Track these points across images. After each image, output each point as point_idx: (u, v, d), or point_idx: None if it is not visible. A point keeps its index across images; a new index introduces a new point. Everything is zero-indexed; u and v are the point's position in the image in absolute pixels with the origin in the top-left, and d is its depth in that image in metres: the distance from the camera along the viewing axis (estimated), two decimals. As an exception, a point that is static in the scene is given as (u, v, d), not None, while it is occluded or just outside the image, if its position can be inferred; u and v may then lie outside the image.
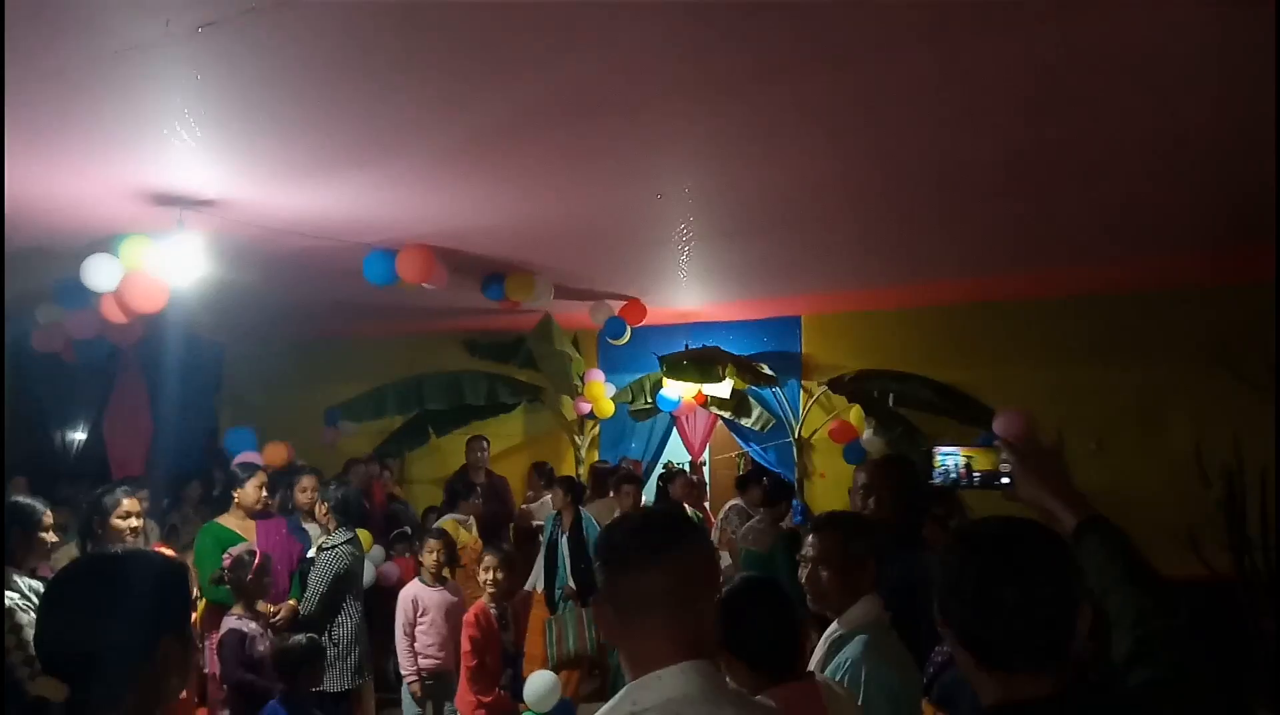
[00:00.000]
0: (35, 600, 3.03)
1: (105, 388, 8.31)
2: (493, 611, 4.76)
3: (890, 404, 7.00)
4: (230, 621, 4.18)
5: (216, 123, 3.29)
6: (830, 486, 7.59)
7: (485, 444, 7.38)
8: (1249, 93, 3.14)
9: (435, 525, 6.01)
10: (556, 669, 5.72)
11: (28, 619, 2.92)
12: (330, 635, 4.71)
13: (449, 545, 5.16)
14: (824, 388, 7.43)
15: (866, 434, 7.30)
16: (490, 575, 4.79)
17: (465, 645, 4.62)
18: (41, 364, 7.24)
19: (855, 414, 7.29)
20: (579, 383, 7.72)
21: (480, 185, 4.26)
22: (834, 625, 2.40)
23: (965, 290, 6.88)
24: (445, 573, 5.17)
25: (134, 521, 4.19)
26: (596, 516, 6.81)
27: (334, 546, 4.84)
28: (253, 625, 4.18)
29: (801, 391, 7.81)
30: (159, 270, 4.35)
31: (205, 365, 9.63)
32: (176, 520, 6.95)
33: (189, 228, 4.27)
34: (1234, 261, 5.65)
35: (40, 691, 1.36)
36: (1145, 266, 5.92)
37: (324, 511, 4.99)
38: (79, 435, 9.33)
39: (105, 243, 4.50)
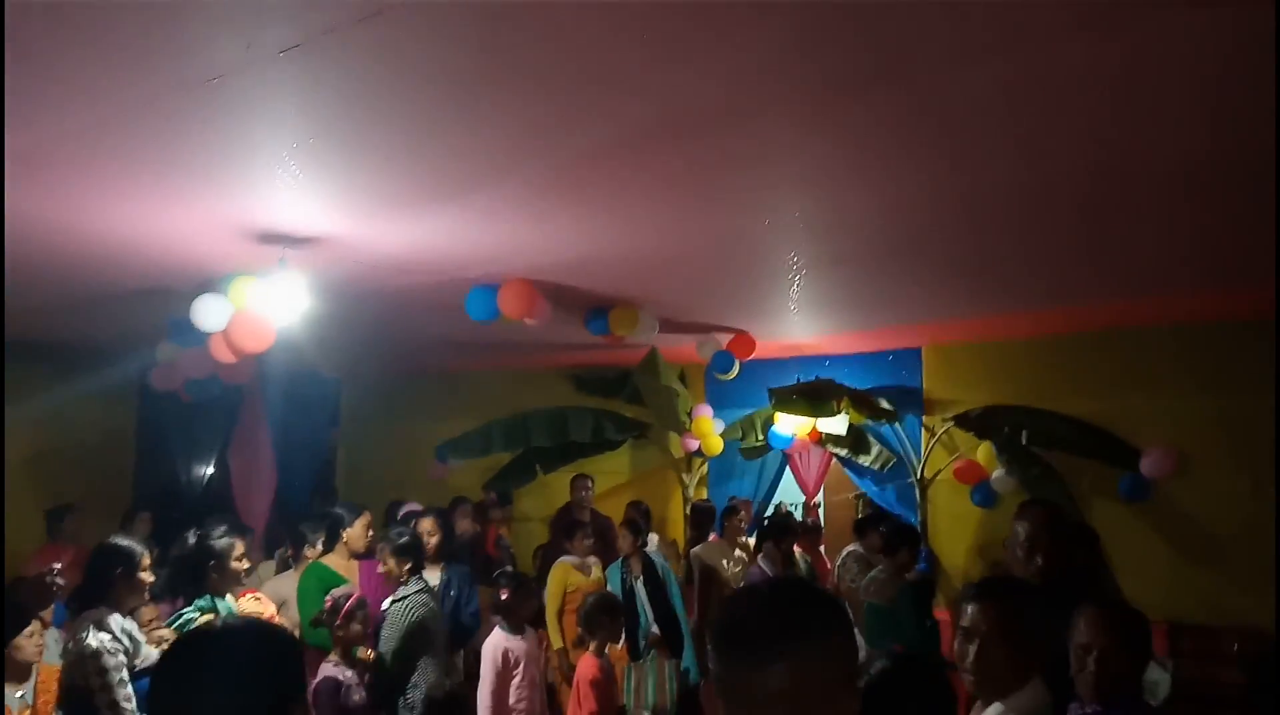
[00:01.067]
0: (127, 642, 2.98)
1: (229, 425, 8.56)
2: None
3: (1023, 441, 6.46)
4: (327, 668, 4.07)
5: (312, 155, 3.23)
6: (955, 532, 7.07)
7: (590, 482, 7.21)
8: None
9: (554, 568, 5.80)
10: None
11: (114, 661, 2.86)
12: (405, 698, 4.35)
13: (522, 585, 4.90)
14: (949, 424, 6.94)
15: (997, 474, 6.78)
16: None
17: (589, 704, 4.19)
18: (166, 402, 7.51)
19: (984, 452, 6.77)
20: (686, 419, 7.47)
21: (582, 215, 4.11)
22: (995, 711, 2.04)
23: (1104, 315, 6.32)
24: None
25: (246, 563, 4.21)
26: (706, 558, 6.53)
27: (404, 597, 4.53)
28: (349, 673, 4.06)
29: (923, 429, 7.34)
30: (265, 309, 4.36)
31: (322, 401, 9.85)
32: (291, 559, 7.02)
33: (292, 266, 4.25)
34: None
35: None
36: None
37: (388, 558, 4.66)
38: (206, 471, 9.63)
39: (214, 282, 4.56)
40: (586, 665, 4.33)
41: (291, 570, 5.14)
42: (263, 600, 4.32)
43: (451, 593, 5.27)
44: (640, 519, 6.42)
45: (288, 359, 7.25)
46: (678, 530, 8.19)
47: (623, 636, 5.13)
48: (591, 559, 5.87)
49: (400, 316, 6.40)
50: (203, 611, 3.58)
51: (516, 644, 4.64)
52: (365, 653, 4.41)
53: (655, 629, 5.59)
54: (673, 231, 4.37)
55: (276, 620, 4.22)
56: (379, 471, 9.24)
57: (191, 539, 3.83)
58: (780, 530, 6.13)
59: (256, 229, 3.99)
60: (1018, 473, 6.52)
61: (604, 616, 4.41)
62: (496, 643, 4.63)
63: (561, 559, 5.81)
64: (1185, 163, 3.43)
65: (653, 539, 7.04)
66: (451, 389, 9.40)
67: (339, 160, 3.28)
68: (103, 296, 5.35)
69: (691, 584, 6.41)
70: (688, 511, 7.57)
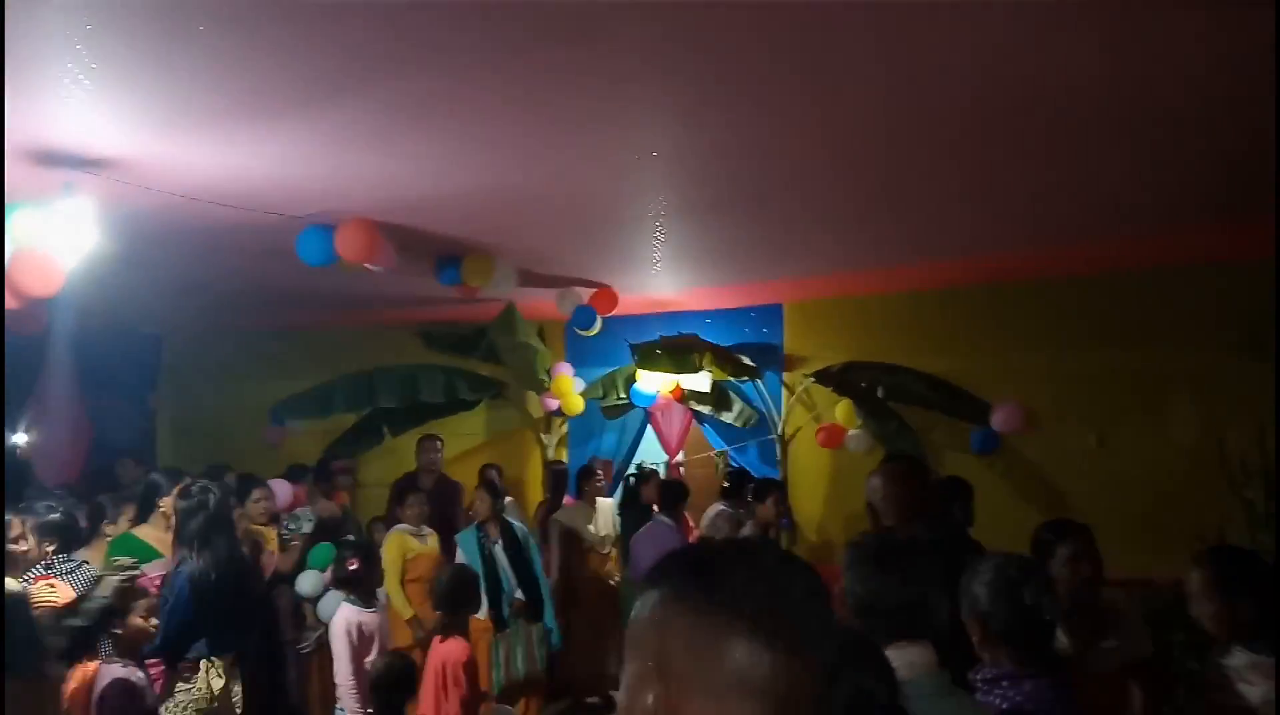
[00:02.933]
0: None
1: (28, 385, 7.60)
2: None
3: (880, 397, 6.51)
4: (113, 670, 3.25)
5: (104, 56, 2.69)
6: (815, 489, 7.10)
7: (439, 444, 6.80)
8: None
9: (388, 537, 5.42)
10: (504, 695, 5.18)
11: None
12: None
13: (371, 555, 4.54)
14: (809, 381, 6.92)
15: (854, 431, 6.82)
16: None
17: (448, 699, 3.77)
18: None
19: (842, 409, 6.80)
20: (545, 377, 7.15)
21: (429, 147, 3.71)
22: None
23: (959, 273, 6.42)
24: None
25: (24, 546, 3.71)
26: (566, 521, 6.28)
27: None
28: (140, 674, 3.35)
29: (783, 386, 7.30)
30: (51, 246, 3.72)
31: (139, 359, 8.95)
32: (110, 531, 6.29)
33: (82, 193, 3.64)
34: (1258, 234, 5.22)
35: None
36: (1157, 241, 5.47)
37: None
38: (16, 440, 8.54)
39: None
40: (454, 647, 3.96)
41: (86, 548, 4.51)
42: (58, 586, 3.74)
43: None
44: (497, 482, 6.09)
45: (97, 310, 6.44)
46: (537, 493, 7.90)
47: (483, 606, 4.84)
48: (425, 527, 5.50)
49: (226, 262, 5.76)
50: None
51: (369, 617, 4.33)
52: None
53: (519, 594, 5.31)
54: (529, 169, 4.05)
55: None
56: (207, 436, 8.47)
57: None
58: (641, 478, 6.05)
59: (37, 148, 3.37)
60: (875, 428, 6.57)
61: (462, 593, 4.06)
62: (348, 618, 4.27)
63: (395, 528, 5.43)
64: (1048, 111, 3.38)
65: (509, 502, 6.74)
66: (289, 347, 8.69)
67: (137, 65, 2.76)
68: None
69: (548, 545, 6.18)
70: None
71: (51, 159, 3.46)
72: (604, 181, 4.28)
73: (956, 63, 2.95)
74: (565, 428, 7.97)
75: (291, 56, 2.73)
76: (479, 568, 5.15)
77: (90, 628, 3.22)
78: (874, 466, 3.07)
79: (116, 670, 3.23)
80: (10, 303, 4.03)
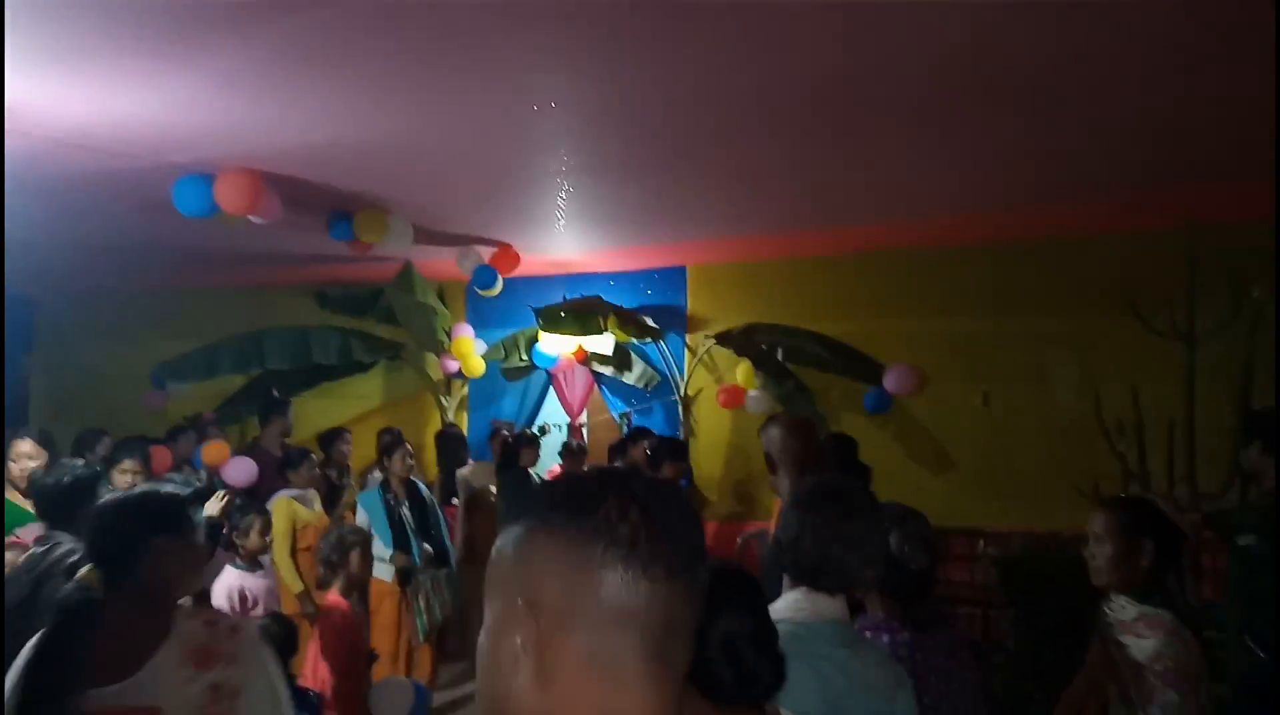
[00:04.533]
0: None
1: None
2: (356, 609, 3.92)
3: (779, 358, 6.60)
4: None
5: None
6: (715, 449, 7.18)
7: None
8: (1163, 28, 2.81)
9: (275, 504, 5.21)
10: (428, 638, 5.16)
11: None
12: None
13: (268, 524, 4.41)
14: (711, 342, 6.97)
15: (753, 392, 6.91)
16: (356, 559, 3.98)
17: (327, 662, 3.63)
18: None
19: (743, 370, 6.87)
20: (445, 338, 7.00)
21: (321, 96, 3.54)
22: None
23: (856, 239, 6.53)
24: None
25: None
26: (473, 480, 6.20)
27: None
28: None
29: (685, 348, 7.34)
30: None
31: (11, 320, 8.39)
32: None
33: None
34: (1138, 207, 5.47)
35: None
36: (1044, 214, 5.68)
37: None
38: None
39: None
40: (333, 607, 3.84)
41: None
42: None
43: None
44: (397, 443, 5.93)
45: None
46: (433, 457, 7.77)
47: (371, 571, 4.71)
48: (311, 491, 5.33)
49: (101, 215, 5.42)
50: None
51: (253, 581, 4.24)
52: None
53: (429, 549, 5.23)
54: (427, 120, 3.90)
55: None
56: (85, 401, 8.03)
57: None
58: (520, 442, 6.04)
59: None
60: (773, 388, 6.67)
61: (348, 554, 3.94)
62: (230, 582, 4.18)
63: (280, 493, 5.21)
64: (947, 80, 3.43)
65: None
66: (174, 308, 8.30)
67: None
68: None
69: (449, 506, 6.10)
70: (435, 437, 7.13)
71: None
72: (506, 136, 4.16)
73: (876, 24, 2.95)
74: (466, 390, 7.84)
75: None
76: (386, 528, 5.05)
77: None
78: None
79: None
80: None
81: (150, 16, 2.75)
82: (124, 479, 4.54)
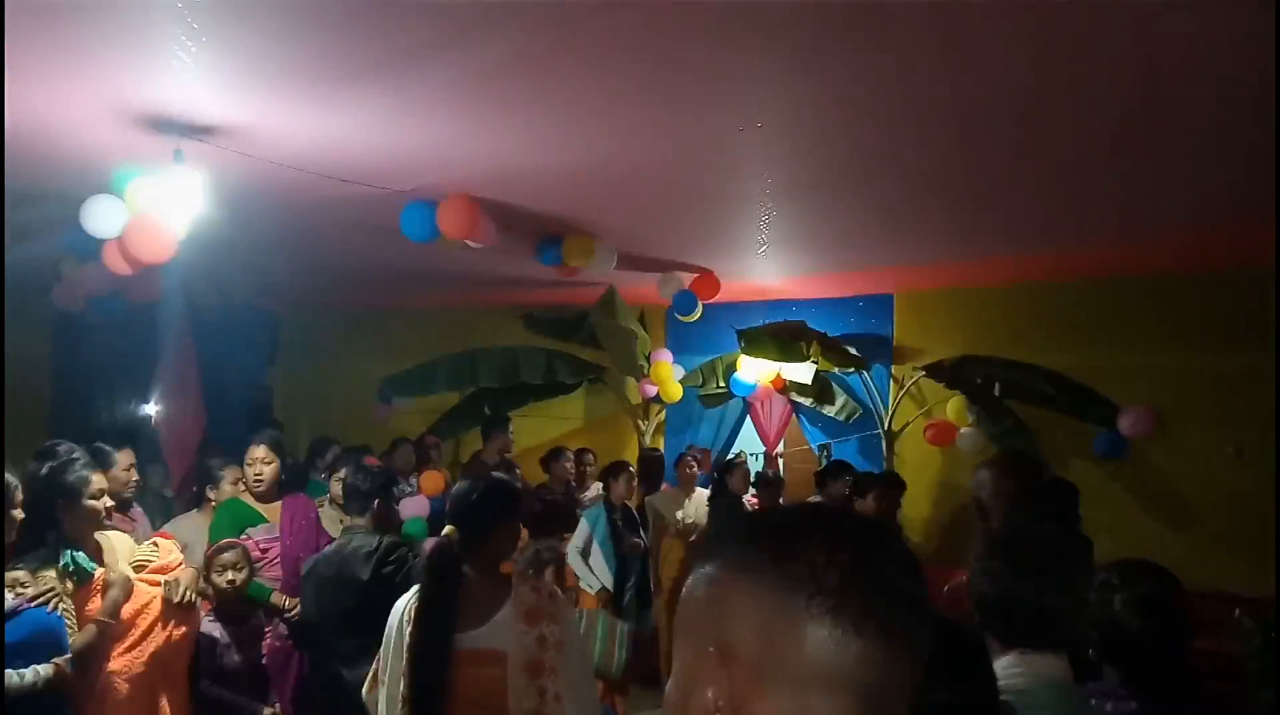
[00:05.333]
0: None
1: (154, 355, 7.94)
2: None
3: (996, 394, 6.13)
4: (204, 623, 3.46)
5: (208, 20, 2.70)
6: (922, 487, 6.76)
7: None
8: None
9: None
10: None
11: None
12: None
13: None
14: (919, 374, 6.59)
15: (966, 429, 6.46)
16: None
17: None
18: (84, 328, 6.90)
19: (954, 405, 6.45)
20: (645, 363, 7.05)
21: (530, 122, 3.63)
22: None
23: (1085, 263, 5.98)
24: None
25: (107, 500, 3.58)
26: (658, 506, 6.19)
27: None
28: (224, 631, 3.50)
29: (891, 379, 6.99)
30: (163, 212, 3.81)
31: (260, 335, 9.26)
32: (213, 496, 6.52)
33: (192, 161, 3.71)
34: None
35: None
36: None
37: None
38: (130, 406, 8.99)
39: (107, 182, 3.99)
40: None
41: (195, 511, 4.64)
42: (161, 546, 3.80)
43: None
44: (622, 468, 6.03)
45: (215, 286, 6.69)
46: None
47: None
48: None
49: (335, 238, 5.86)
50: (43, 561, 2.99)
51: None
52: (282, 598, 4.03)
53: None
54: (633, 146, 3.92)
55: (179, 568, 3.68)
56: (319, 412, 8.72)
57: (42, 471, 3.04)
58: (727, 468, 5.96)
59: (147, 113, 3.44)
60: (988, 427, 6.21)
61: (543, 571, 3.99)
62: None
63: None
64: (1182, 95, 3.05)
65: (595, 487, 6.67)
66: (396, 327, 8.88)
67: (239, 28, 2.76)
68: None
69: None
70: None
71: (160, 125, 3.53)
72: (709, 158, 4.12)
73: (1096, 40, 2.68)
74: (663, 415, 7.86)
75: (393, 20, 2.68)
76: (613, 553, 5.16)
77: None
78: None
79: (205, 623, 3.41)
80: (124, 268, 4.17)
81: (373, 45, 2.90)
82: (338, 487, 4.80)
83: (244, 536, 4.25)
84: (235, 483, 4.71)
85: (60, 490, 2.96)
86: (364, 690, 2.61)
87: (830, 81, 3.17)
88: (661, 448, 7.74)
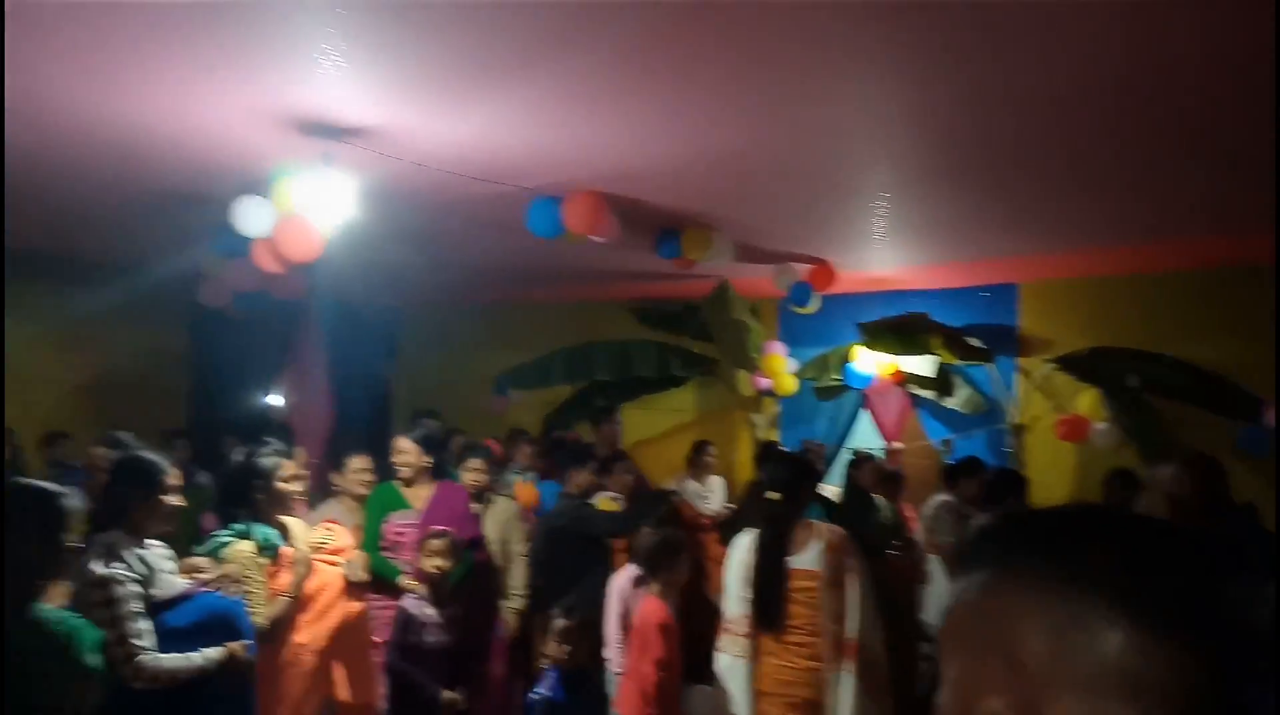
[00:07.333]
0: (143, 571, 2.66)
1: (286, 349, 8.32)
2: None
3: (1134, 387, 5.86)
4: (408, 601, 3.80)
5: (353, 27, 2.81)
6: (1052, 484, 6.52)
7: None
8: None
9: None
10: None
11: (124, 592, 2.54)
12: None
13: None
14: (1049, 367, 6.36)
15: (1100, 424, 6.20)
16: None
17: (654, 649, 3.73)
18: (221, 323, 7.28)
19: (1088, 399, 6.19)
20: (757, 356, 7.00)
21: (649, 117, 3.65)
22: None
23: (1225, 250, 5.65)
24: None
25: (297, 485, 3.82)
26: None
27: None
28: (430, 611, 3.76)
29: (1018, 372, 6.76)
30: (312, 212, 3.99)
31: (381, 329, 9.59)
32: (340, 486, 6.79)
33: (338, 162, 3.87)
34: None
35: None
36: None
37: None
38: (264, 398, 9.43)
39: (255, 182, 4.20)
40: (651, 608, 3.92)
41: (333, 499, 4.85)
42: (335, 530, 4.01)
43: None
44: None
45: (345, 282, 6.96)
46: (746, 474, 7.78)
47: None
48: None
49: (459, 234, 6.02)
50: (238, 536, 3.27)
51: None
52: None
53: None
54: (751, 137, 3.90)
55: (348, 551, 3.92)
56: (437, 403, 8.98)
57: (238, 458, 3.50)
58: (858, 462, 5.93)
59: (297, 117, 3.60)
60: (1125, 421, 5.94)
61: (671, 557, 4.00)
62: (622, 579, 4.44)
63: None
64: None
65: (716, 481, 6.67)
66: (510, 321, 9.06)
67: (380, 32, 2.86)
68: (144, 202, 5.04)
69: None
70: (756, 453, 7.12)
71: (309, 128, 3.69)
72: (827, 147, 4.06)
73: (1232, 23, 2.53)
74: (776, 408, 7.80)
75: (524, 18, 2.73)
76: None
77: None
78: (1121, 463, 2.73)
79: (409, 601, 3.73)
80: (273, 267, 4.39)
81: (500, 46, 2.95)
82: (470, 476, 4.94)
83: (385, 521, 4.46)
84: (362, 471, 4.91)
85: (257, 473, 3.18)
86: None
87: (951, 68, 3.08)
88: (778, 441, 7.69)
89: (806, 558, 3.51)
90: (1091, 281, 6.51)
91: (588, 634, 3.99)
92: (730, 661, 3.61)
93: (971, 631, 0.75)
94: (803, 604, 3.47)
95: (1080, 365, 6.13)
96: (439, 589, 3.87)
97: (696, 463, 6.52)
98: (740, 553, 3.66)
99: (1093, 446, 6.15)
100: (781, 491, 3.62)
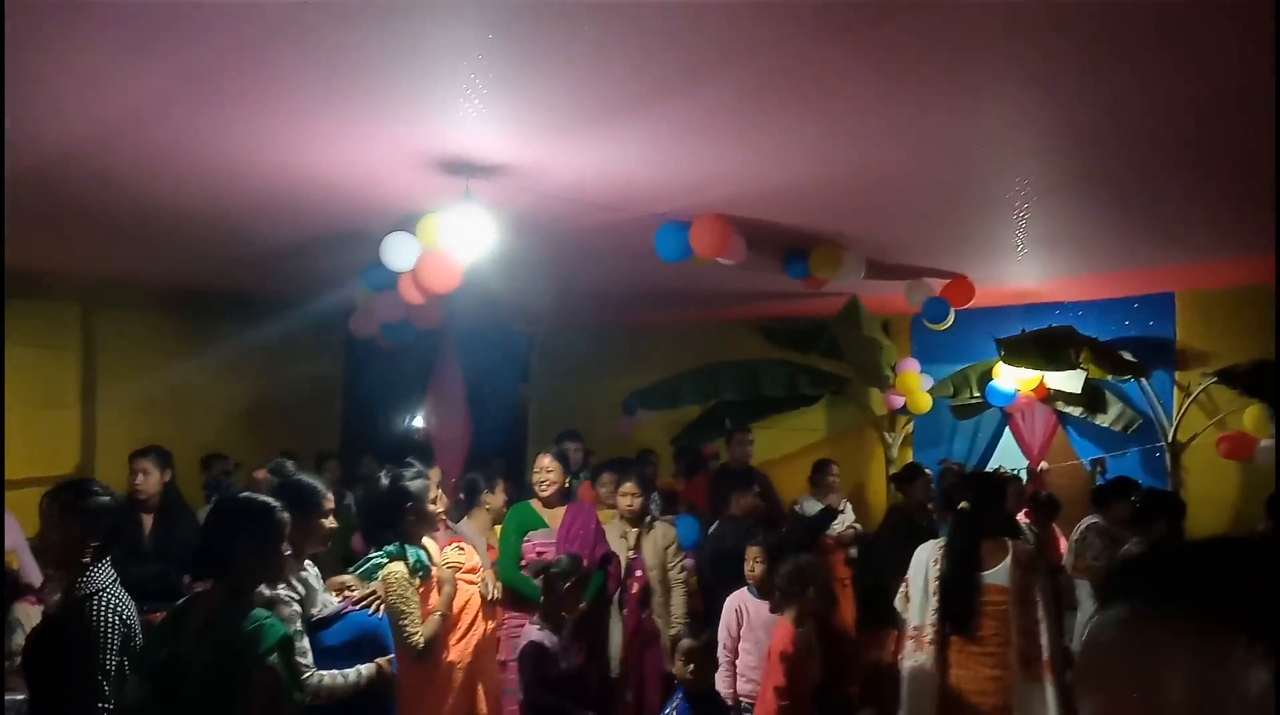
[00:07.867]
0: (301, 590, 2.83)
1: (427, 375, 8.71)
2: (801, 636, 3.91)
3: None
4: (532, 632, 3.71)
5: (492, 73, 2.96)
6: (1214, 506, 6.09)
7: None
8: None
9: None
10: None
11: (287, 612, 2.70)
12: None
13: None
14: (1209, 380, 5.95)
15: (1265, 442, 5.75)
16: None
17: (775, 677, 3.73)
18: (371, 352, 7.70)
19: (1253, 414, 5.76)
20: (890, 373, 6.85)
21: (776, 138, 3.65)
22: None
23: None
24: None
25: (441, 506, 3.97)
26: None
27: None
28: (555, 639, 3.71)
29: (1175, 386, 6.36)
30: (451, 246, 4.19)
31: (515, 355, 9.90)
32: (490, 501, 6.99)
33: (476, 198, 4.05)
34: None
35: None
36: None
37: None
38: (408, 421, 9.88)
39: (402, 221, 4.45)
40: (782, 634, 3.88)
41: (466, 518, 5.01)
42: (466, 549, 4.15)
43: None
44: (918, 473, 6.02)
45: (481, 309, 7.23)
46: (878, 494, 7.61)
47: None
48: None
49: (589, 261, 6.16)
50: (391, 557, 3.43)
51: (754, 604, 4.33)
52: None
53: None
54: (880, 152, 3.83)
55: (479, 572, 4.04)
56: (567, 425, 9.16)
57: (385, 480, 3.62)
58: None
59: (441, 158, 3.80)
60: (1296, 439, 5.50)
61: (806, 586, 3.94)
62: (734, 599, 4.37)
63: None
64: None
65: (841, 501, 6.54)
66: (639, 344, 9.17)
67: (517, 72, 2.99)
68: (303, 241, 5.41)
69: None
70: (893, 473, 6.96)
71: (450, 167, 3.88)
72: (962, 160, 3.96)
73: None
74: (910, 427, 7.59)
75: (653, 52, 2.80)
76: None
77: None
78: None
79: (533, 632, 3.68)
80: (416, 298, 4.62)
81: (626, 78, 3.01)
82: (625, 501, 5.02)
83: (525, 540, 4.60)
84: (497, 491, 5.06)
85: (407, 496, 3.35)
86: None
87: (1107, 77, 2.95)
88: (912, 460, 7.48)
89: (997, 572, 3.61)
90: (1254, 289, 6.07)
91: (714, 655, 3.98)
92: (914, 669, 3.70)
93: (1111, 668, 0.74)
94: (992, 616, 3.58)
95: (1243, 378, 5.72)
96: (557, 613, 3.82)
97: (818, 482, 6.40)
98: (925, 562, 3.77)
99: (1257, 465, 5.71)
100: (972, 502, 3.72)
